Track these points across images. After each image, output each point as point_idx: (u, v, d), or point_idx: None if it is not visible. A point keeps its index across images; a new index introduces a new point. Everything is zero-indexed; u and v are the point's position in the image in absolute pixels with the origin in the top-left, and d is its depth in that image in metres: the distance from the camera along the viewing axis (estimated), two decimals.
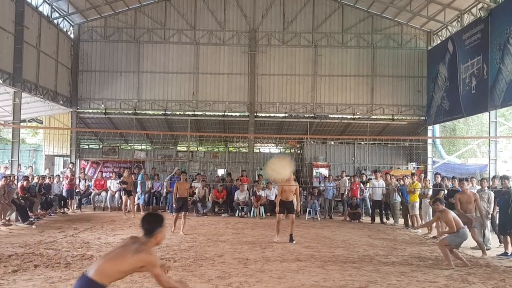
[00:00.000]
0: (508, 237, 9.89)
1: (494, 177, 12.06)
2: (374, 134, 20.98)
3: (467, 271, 8.22)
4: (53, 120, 20.52)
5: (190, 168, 21.45)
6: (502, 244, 10.28)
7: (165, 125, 21.41)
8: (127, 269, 3.84)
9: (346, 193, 17.00)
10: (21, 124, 16.73)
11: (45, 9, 17.35)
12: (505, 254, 9.87)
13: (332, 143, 22.22)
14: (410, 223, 14.12)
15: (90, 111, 20.58)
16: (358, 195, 16.52)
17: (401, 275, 7.70)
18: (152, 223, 4.01)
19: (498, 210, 10.46)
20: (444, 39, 18.78)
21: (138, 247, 3.85)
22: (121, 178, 16.45)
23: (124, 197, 15.69)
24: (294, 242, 10.75)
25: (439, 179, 13.34)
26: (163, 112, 20.57)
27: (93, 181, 18.38)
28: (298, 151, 22.85)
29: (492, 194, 10.69)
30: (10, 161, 15.09)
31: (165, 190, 17.42)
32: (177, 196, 12.09)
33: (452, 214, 9.00)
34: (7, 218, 12.55)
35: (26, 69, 15.36)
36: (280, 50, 20.50)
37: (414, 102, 20.52)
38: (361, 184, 16.90)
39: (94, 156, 21.64)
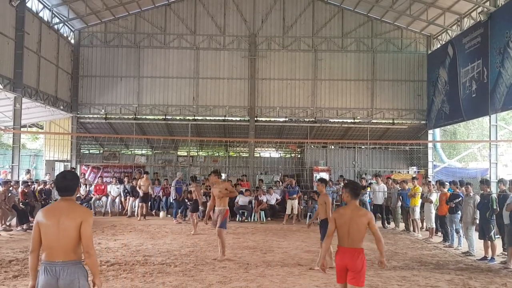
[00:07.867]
0: (489, 242, 9.71)
1: (500, 181, 11.58)
2: (375, 138, 21.00)
3: (468, 275, 8.19)
4: (54, 125, 20.55)
5: (191, 172, 21.43)
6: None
7: (166, 130, 21.43)
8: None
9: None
10: (22, 129, 16.74)
11: (45, 15, 17.40)
12: (484, 258, 9.73)
13: (333, 147, 22.22)
14: (411, 227, 14.07)
15: (91, 116, 20.62)
16: None
17: (402, 280, 7.67)
18: None
19: (479, 215, 10.09)
20: (444, 43, 18.82)
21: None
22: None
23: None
24: None
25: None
26: (164, 117, 20.59)
27: (93, 186, 18.36)
28: (299, 156, 22.85)
29: (478, 199, 10.25)
30: (10, 166, 15.07)
31: (173, 197, 16.36)
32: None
33: None
34: (7, 224, 12.54)
35: (26, 75, 15.41)
36: (280, 54, 20.53)
37: (414, 106, 20.54)
38: None
39: (94, 161, 21.66)
